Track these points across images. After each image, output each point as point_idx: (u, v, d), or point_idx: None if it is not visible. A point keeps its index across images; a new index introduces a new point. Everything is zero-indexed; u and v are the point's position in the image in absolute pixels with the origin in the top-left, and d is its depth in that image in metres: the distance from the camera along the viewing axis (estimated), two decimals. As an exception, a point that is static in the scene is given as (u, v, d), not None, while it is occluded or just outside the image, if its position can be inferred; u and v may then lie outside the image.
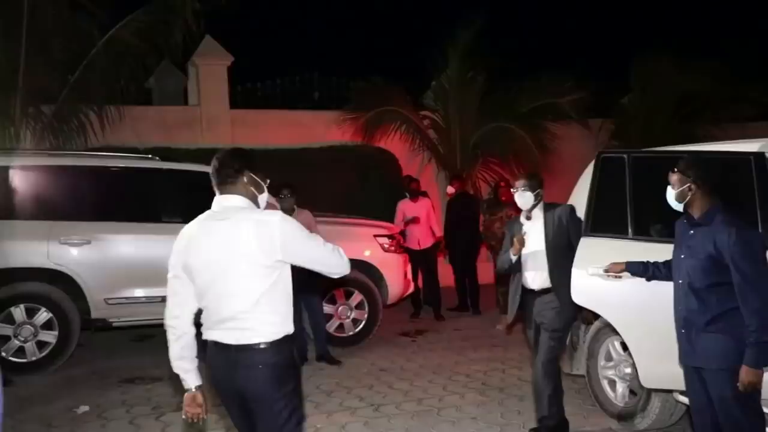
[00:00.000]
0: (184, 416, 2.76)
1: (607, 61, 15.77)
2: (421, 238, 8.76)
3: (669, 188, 3.40)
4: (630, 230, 4.37)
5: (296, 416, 2.68)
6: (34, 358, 6.19)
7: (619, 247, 4.30)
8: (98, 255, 6.42)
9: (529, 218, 4.44)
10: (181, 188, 6.88)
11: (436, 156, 11.75)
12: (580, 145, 11.41)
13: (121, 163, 6.78)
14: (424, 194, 9.19)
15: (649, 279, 3.74)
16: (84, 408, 5.27)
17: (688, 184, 3.31)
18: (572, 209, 4.54)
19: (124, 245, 6.54)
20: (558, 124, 11.62)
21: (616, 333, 4.63)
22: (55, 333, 6.27)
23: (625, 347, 4.64)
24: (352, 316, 7.23)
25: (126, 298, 6.50)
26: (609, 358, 4.84)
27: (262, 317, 2.61)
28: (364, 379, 5.96)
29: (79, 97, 9.36)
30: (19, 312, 6.17)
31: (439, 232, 9.05)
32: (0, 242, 5.90)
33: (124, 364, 6.54)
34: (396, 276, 7.43)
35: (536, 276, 4.40)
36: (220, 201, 2.73)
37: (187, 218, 6.72)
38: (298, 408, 2.71)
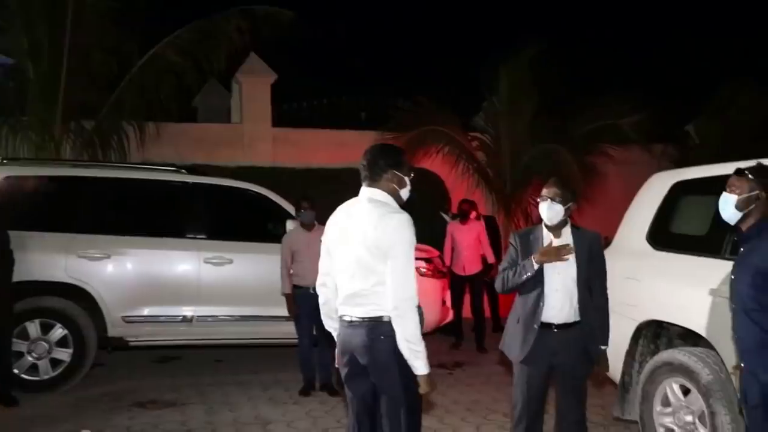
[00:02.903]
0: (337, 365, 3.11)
1: (670, 84, 15.01)
2: (467, 263, 8.19)
3: (726, 195, 2.89)
4: None
5: (411, 390, 2.87)
6: (46, 377, 5.92)
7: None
8: (117, 270, 6.15)
9: (557, 236, 3.63)
10: (207, 203, 6.62)
11: (485, 179, 11.20)
12: (639, 170, 10.68)
13: (144, 175, 6.52)
14: (478, 217, 8.64)
15: None
16: (85, 432, 4.92)
17: (757, 192, 2.81)
18: (602, 239, 3.78)
19: (144, 261, 6.25)
20: (617, 147, 10.95)
21: (675, 374, 3.99)
22: (70, 351, 5.99)
23: (685, 391, 3.99)
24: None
25: (144, 316, 6.19)
26: (666, 403, 4.16)
27: (383, 295, 2.83)
28: (390, 415, 5.41)
29: (119, 113, 9.30)
30: (33, 327, 5.92)
31: (492, 258, 8.42)
32: (18, 254, 5.66)
33: (140, 387, 6.19)
34: (432, 302, 6.87)
35: (564, 307, 3.56)
36: (363, 192, 3.01)
37: (212, 234, 6.63)
38: (413, 382, 2.86)
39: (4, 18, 8.70)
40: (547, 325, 3.58)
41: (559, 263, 3.53)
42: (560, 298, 3.57)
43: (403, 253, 2.83)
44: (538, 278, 3.57)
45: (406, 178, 3.04)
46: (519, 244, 3.70)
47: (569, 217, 3.70)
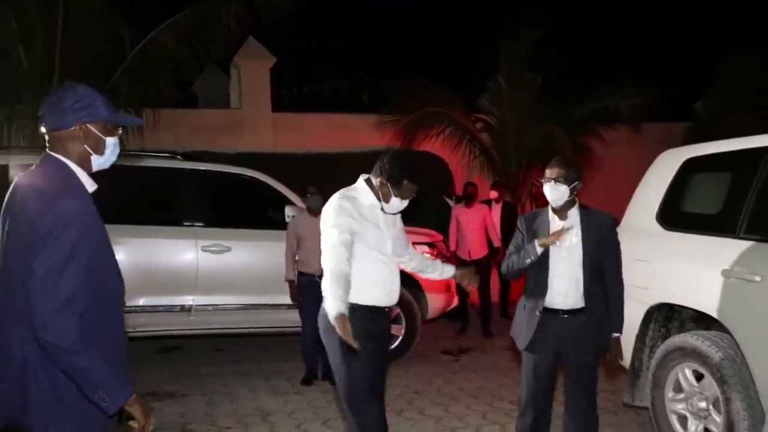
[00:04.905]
0: None
1: (678, 63, 14.71)
2: (473, 248, 8.00)
3: None
4: None
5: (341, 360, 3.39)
6: (44, 369, 5.80)
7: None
8: (113, 260, 6.01)
9: (563, 218, 3.47)
10: (204, 190, 6.45)
11: (490, 162, 11.00)
12: (650, 150, 10.49)
13: (138, 162, 6.36)
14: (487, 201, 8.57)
15: None
16: (82, 426, 4.80)
17: None
18: (614, 221, 3.62)
19: (141, 250, 6.09)
20: (624, 128, 10.78)
21: (687, 359, 3.83)
22: (67, 342, 5.87)
23: (698, 377, 3.83)
24: (387, 332, 6.58)
25: (141, 306, 6.05)
26: (679, 389, 4.01)
27: None
28: (394, 403, 5.26)
29: (116, 100, 9.10)
30: (29, 319, 5.80)
31: (498, 242, 8.26)
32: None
33: (141, 377, 6.04)
34: (437, 288, 6.73)
35: (569, 292, 3.42)
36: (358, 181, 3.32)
37: (209, 221, 6.48)
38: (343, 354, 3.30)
39: (-5, 4, 8.54)
40: (554, 312, 3.45)
41: (564, 247, 3.39)
42: (565, 284, 3.41)
43: (325, 234, 3.16)
44: (543, 263, 3.43)
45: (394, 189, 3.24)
46: (525, 228, 3.55)
47: (576, 198, 3.54)
